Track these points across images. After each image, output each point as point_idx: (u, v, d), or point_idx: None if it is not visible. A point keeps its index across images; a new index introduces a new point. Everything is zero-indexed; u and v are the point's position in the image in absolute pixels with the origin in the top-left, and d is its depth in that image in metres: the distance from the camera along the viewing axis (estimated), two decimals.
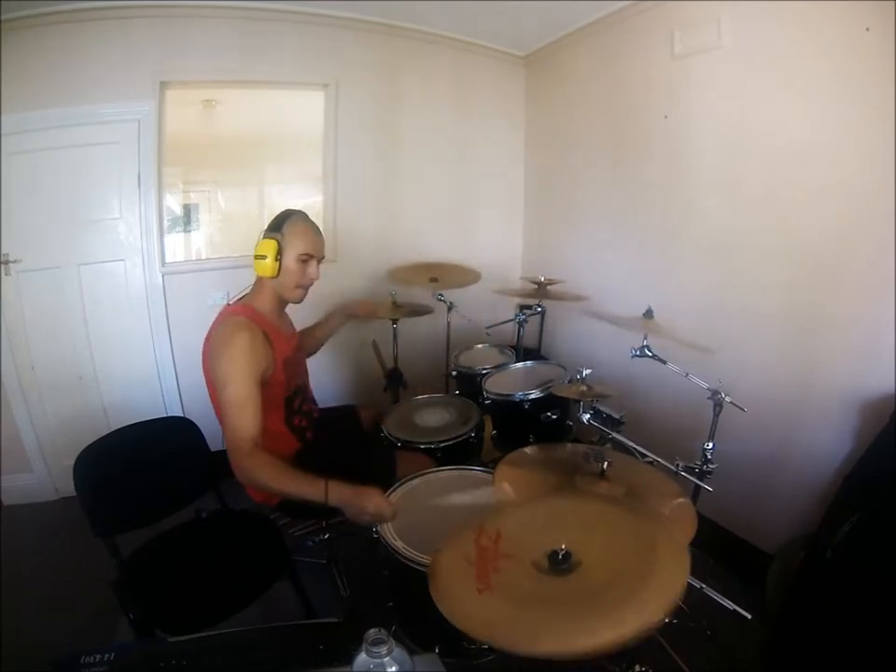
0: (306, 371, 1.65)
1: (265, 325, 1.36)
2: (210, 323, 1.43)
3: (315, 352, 1.84)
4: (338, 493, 1.15)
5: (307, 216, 1.46)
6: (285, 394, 1.45)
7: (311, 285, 1.44)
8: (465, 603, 0.77)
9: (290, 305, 1.51)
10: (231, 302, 1.45)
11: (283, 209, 1.44)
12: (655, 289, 2.12)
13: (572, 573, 0.80)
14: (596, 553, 0.83)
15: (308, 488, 1.16)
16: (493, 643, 0.70)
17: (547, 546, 0.84)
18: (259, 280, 1.41)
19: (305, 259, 1.39)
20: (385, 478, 1.39)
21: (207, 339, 1.37)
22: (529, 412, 1.74)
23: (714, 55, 1.80)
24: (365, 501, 1.14)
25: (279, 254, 1.35)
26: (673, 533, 0.87)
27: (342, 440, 1.66)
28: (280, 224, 1.37)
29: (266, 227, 1.39)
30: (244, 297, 1.45)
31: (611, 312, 1.85)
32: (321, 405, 1.76)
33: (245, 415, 1.22)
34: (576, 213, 2.64)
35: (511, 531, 0.91)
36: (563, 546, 0.82)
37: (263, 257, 1.34)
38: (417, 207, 2.80)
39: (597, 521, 0.93)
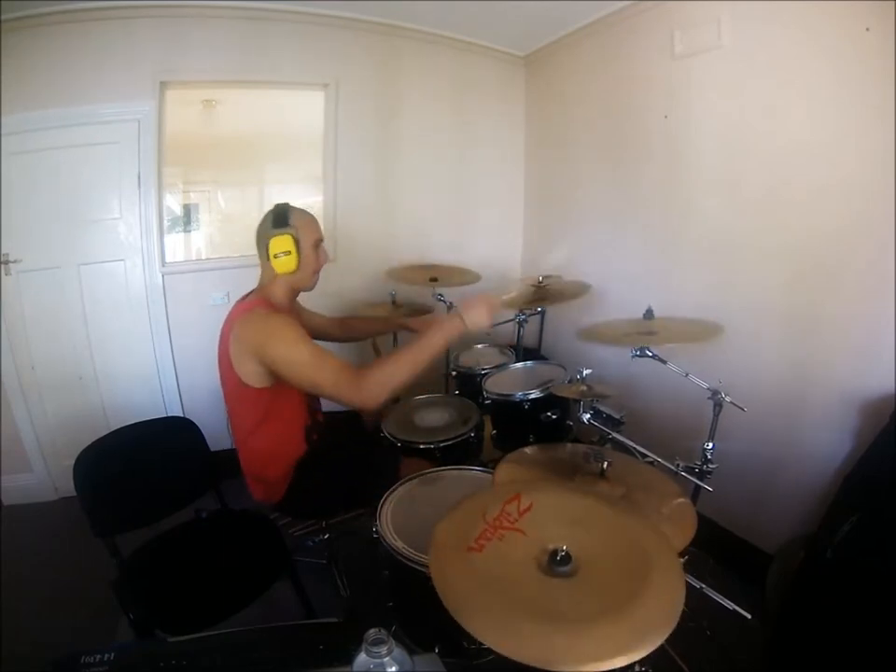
0: None
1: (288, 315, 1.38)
2: (212, 322, 1.43)
3: (349, 342, 1.95)
4: (452, 329, 1.26)
5: None
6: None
7: (321, 268, 1.47)
8: (461, 594, 0.77)
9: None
10: (243, 299, 1.44)
11: (273, 206, 1.42)
12: (655, 289, 2.12)
13: (570, 579, 0.79)
14: (598, 557, 0.82)
15: (434, 349, 1.25)
16: (485, 641, 0.70)
17: (550, 542, 0.84)
18: (272, 278, 1.40)
19: (318, 245, 1.43)
20: (387, 479, 1.40)
21: (226, 333, 1.34)
22: (529, 412, 1.74)
23: (714, 55, 1.80)
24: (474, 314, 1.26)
25: (297, 246, 1.36)
26: (670, 549, 0.86)
27: (345, 443, 1.66)
28: (286, 218, 1.37)
29: (269, 226, 1.37)
30: (249, 294, 1.45)
31: (611, 312, 1.85)
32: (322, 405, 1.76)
33: (326, 363, 1.24)
34: (576, 213, 2.64)
35: (536, 511, 0.92)
36: (564, 547, 0.82)
37: (286, 252, 1.34)
38: (417, 207, 2.80)
39: (597, 522, 0.93)
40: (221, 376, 1.39)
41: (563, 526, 0.88)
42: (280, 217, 1.37)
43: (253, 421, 1.39)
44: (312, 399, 1.57)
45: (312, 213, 1.46)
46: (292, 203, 1.43)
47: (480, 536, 0.86)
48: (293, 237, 1.35)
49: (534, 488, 1.00)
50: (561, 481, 1.22)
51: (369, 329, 1.93)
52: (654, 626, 0.71)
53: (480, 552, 0.83)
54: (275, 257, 1.34)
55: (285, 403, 1.40)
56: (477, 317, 1.27)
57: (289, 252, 1.34)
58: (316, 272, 1.46)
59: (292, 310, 1.50)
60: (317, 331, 1.67)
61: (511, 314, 2.26)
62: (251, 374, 1.30)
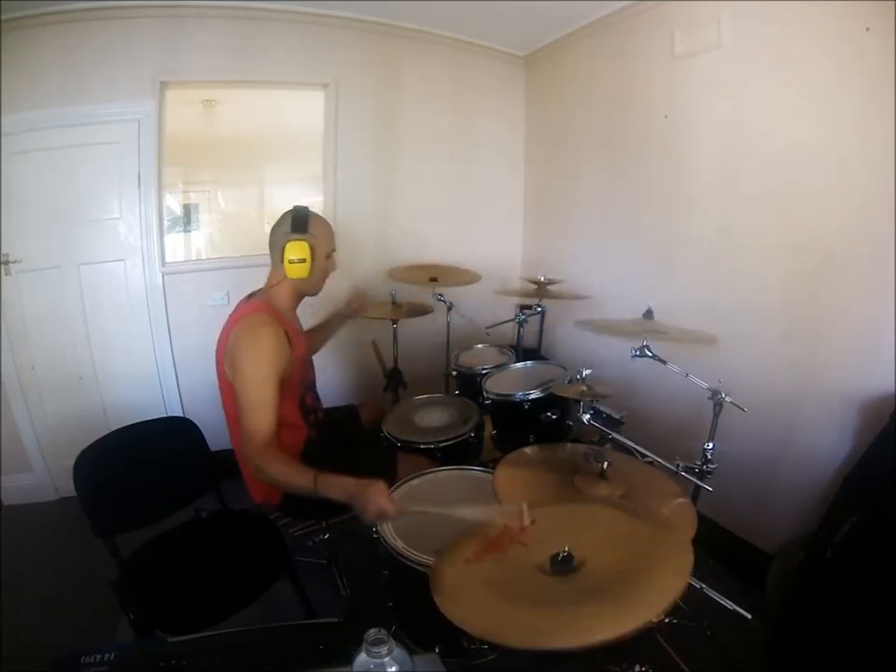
0: (314, 368, 1.65)
1: (285, 324, 1.37)
2: (212, 322, 1.43)
3: (315, 351, 1.84)
4: (331, 487, 1.15)
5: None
6: (299, 391, 1.46)
7: (328, 276, 1.49)
8: (463, 597, 0.77)
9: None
10: (247, 298, 1.45)
11: (292, 208, 1.41)
12: (655, 289, 2.12)
13: (574, 573, 0.80)
14: (599, 555, 0.82)
15: (303, 482, 1.16)
16: (492, 639, 0.70)
17: (552, 549, 0.84)
18: (279, 281, 1.40)
19: (330, 255, 1.45)
20: (385, 478, 1.40)
21: (225, 334, 1.35)
22: (529, 412, 1.74)
23: (714, 55, 1.80)
24: (364, 501, 1.13)
25: (312, 254, 1.36)
26: (676, 530, 0.87)
27: (341, 442, 1.67)
28: (306, 225, 1.37)
29: (287, 229, 1.36)
30: (255, 294, 1.45)
31: (611, 312, 1.85)
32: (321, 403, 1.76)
33: (265, 413, 1.24)
34: (576, 213, 2.64)
35: (539, 525, 0.92)
36: (566, 549, 0.82)
37: (302, 260, 1.34)
38: (417, 207, 2.80)
39: (599, 524, 0.93)
40: (218, 378, 1.39)
41: (567, 534, 0.88)
42: (300, 223, 1.37)
43: None
44: (310, 399, 1.57)
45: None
46: (305, 206, 1.43)
47: (479, 550, 0.86)
48: (310, 245, 1.35)
49: (537, 506, 0.99)
50: (565, 496, 1.20)
51: (317, 342, 1.82)
52: (669, 584, 0.72)
53: (478, 563, 0.84)
54: (290, 262, 1.34)
55: (283, 400, 1.39)
56: (371, 513, 1.11)
57: (304, 260, 1.34)
58: (324, 279, 1.47)
59: (294, 319, 1.51)
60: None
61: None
62: None
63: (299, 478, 1.19)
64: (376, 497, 1.11)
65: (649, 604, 0.70)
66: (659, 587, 0.73)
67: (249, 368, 1.25)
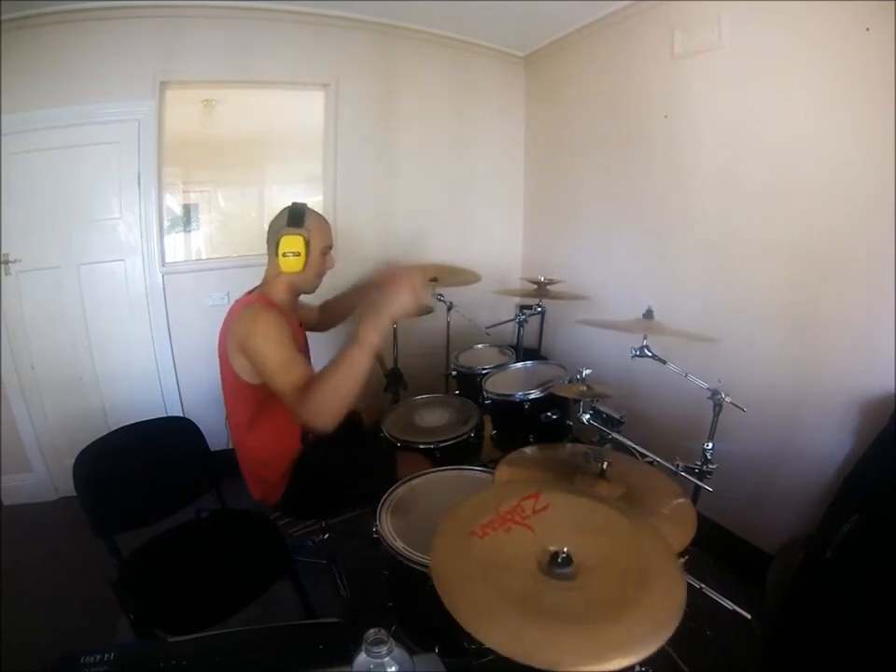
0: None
1: (282, 315, 1.37)
2: (212, 322, 1.43)
3: (334, 326, 1.84)
4: (375, 329, 1.12)
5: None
6: None
7: (325, 273, 1.48)
8: (457, 576, 0.77)
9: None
10: (246, 294, 1.46)
11: (290, 204, 1.43)
12: (655, 289, 2.12)
13: (568, 582, 0.78)
14: (596, 568, 0.81)
15: (355, 363, 1.12)
16: (473, 632, 0.70)
17: (555, 544, 0.83)
18: (276, 275, 1.41)
19: (327, 251, 1.44)
20: (384, 478, 1.40)
21: (225, 328, 1.36)
22: (529, 412, 1.74)
23: (714, 55, 1.80)
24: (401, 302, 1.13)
25: (306, 248, 1.37)
26: (675, 566, 0.83)
27: (342, 441, 1.66)
28: (301, 219, 1.38)
29: (283, 223, 1.38)
30: (254, 290, 1.46)
31: (611, 312, 1.85)
32: None
33: (292, 372, 1.21)
34: (576, 212, 2.64)
35: (551, 512, 0.91)
36: (565, 549, 0.81)
37: (296, 253, 1.35)
38: (417, 207, 2.80)
39: (610, 533, 0.91)
40: (220, 372, 1.40)
41: (573, 532, 0.87)
42: (295, 217, 1.38)
43: (248, 418, 1.39)
44: None
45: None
46: (303, 202, 1.44)
47: (487, 524, 0.86)
48: (304, 239, 1.36)
49: (554, 490, 1.00)
50: (583, 488, 1.19)
51: (346, 305, 1.82)
52: (641, 638, 0.68)
53: (482, 538, 0.83)
54: (283, 255, 1.35)
55: (279, 401, 1.39)
56: (402, 305, 1.14)
57: (298, 253, 1.35)
58: (320, 276, 1.47)
59: (293, 310, 1.51)
60: (310, 325, 1.70)
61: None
62: (243, 369, 1.31)
63: (348, 364, 1.12)
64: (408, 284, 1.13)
65: (630, 648, 0.66)
66: (645, 631, 0.70)
67: (262, 340, 1.24)
